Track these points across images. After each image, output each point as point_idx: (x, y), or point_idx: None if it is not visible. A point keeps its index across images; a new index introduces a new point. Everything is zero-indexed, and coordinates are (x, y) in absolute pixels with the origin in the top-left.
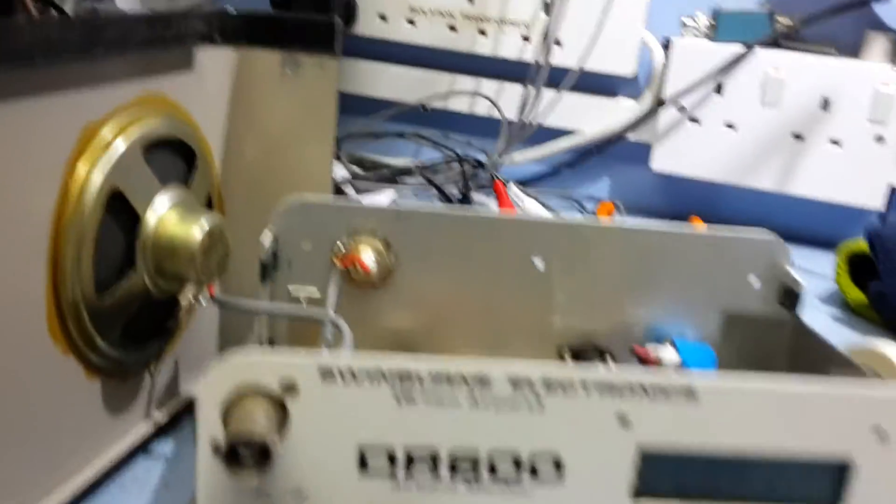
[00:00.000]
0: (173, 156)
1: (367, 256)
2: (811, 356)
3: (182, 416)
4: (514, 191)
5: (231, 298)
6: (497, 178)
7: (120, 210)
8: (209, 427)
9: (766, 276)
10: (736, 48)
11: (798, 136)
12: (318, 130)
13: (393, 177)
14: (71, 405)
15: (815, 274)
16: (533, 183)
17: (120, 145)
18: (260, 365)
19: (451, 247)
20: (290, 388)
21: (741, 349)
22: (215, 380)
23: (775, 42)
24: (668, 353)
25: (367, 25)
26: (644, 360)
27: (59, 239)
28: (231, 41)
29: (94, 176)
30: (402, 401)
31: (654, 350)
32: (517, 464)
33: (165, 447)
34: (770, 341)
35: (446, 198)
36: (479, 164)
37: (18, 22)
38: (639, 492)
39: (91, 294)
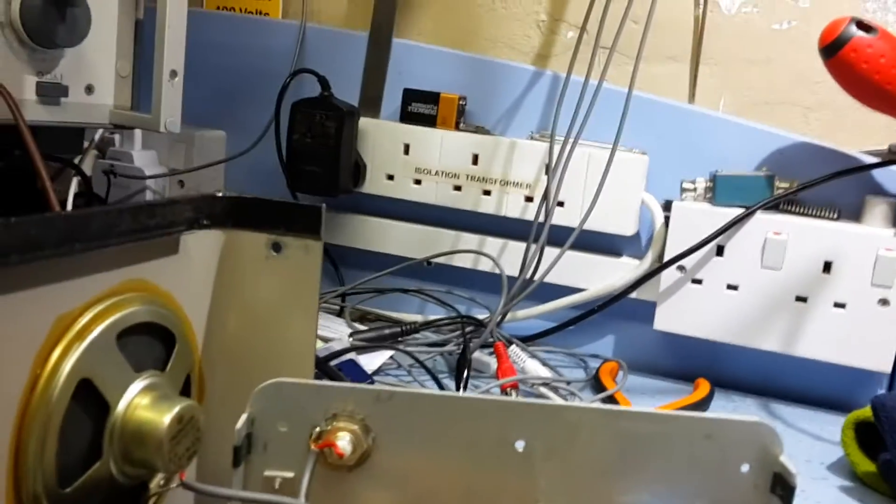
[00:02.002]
0: (151, 340)
1: (343, 440)
2: None
3: None
4: (514, 351)
5: (201, 485)
6: (497, 338)
7: (89, 398)
8: None
9: (758, 465)
10: (736, 211)
11: (801, 299)
12: (301, 309)
13: (394, 336)
14: None
15: (823, 440)
16: (537, 340)
17: (94, 332)
18: None
19: (431, 428)
20: None
21: None
22: None
23: (775, 206)
24: None
25: (375, 184)
26: None
27: (23, 430)
28: (218, 224)
29: (64, 365)
30: None
31: None
32: None
33: None
34: None
35: (431, 375)
36: (480, 323)
37: None
38: None
39: (53, 486)
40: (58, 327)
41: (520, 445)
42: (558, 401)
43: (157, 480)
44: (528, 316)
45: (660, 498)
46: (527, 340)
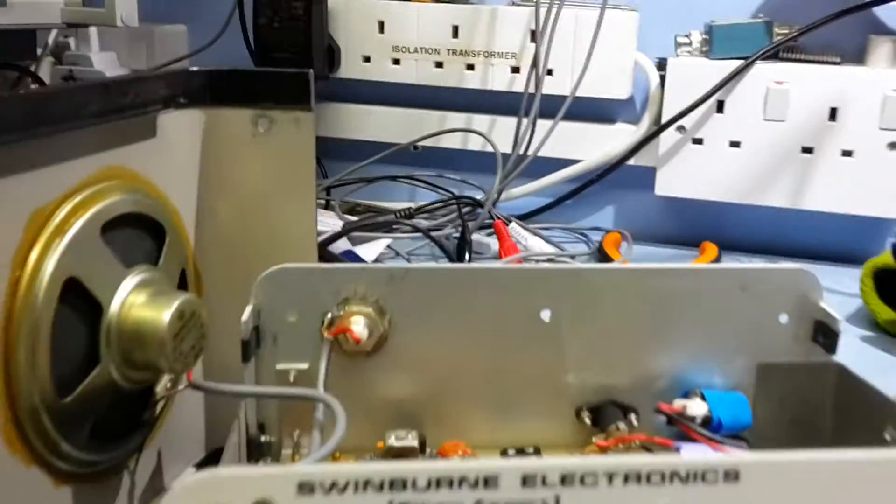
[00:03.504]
0: (139, 233)
1: (358, 325)
2: (861, 408)
3: None
4: (515, 229)
5: (211, 384)
6: (496, 217)
7: (78, 300)
8: None
9: (797, 314)
10: (734, 63)
11: (807, 150)
12: (297, 189)
13: (388, 224)
14: None
15: (838, 292)
16: (534, 217)
17: (75, 226)
18: (229, 484)
19: (450, 305)
20: None
21: (778, 399)
22: (181, 503)
23: (775, 54)
24: (698, 408)
25: (351, 68)
26: (672, 420)
27: (9, 341)
28: (197, 102)
29: (45, 265)
30: None
31: (681, 405)
32: None
33: None
34: (811, 390)
35: (443, 249)
36: (477, 203)
37: None
38: None
39: (51, 396)
40: (34, 224)
41: (545, 315)
42: (584, 266)
43: (164, 383)
44: (524, 193)
45: (696, 358)
46: (524, 219)
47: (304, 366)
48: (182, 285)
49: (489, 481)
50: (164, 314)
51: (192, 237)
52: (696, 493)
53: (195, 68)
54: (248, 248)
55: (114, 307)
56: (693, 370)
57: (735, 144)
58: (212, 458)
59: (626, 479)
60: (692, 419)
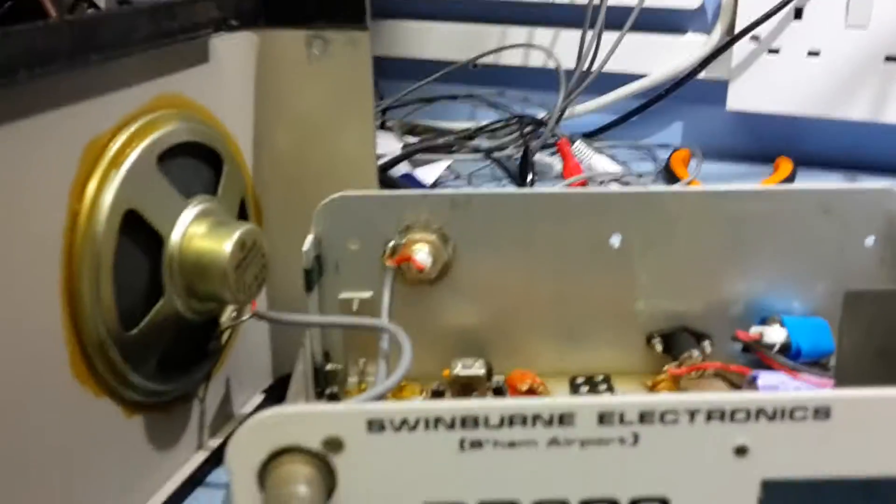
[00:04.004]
0: (196, 163)
1: (421, 253)
2: None
3: None
4: (579, 148)
5: (275, 314)
6: (560, 136)
7: (139, 232)
8: (243, 497)
9: (884, 236)
10: None
11: (891, 58)
12: (355, 113)
13: (449, 146)
14: (113, 448)
15: None
16: (599, 135)
17: (131, 157)
18: (299, 421)
19: (514, 231)
20: (335, 444)
21: (866, 328)
22: (247, 443)
23: None
24: (776, 334)
25: None
26: (749, 347)
27: (72, 274)
28: (248, 24)
29: (104, 197)
30: (467, 448)
31: (758, 332)
32: None
33: (223, 474)
34: None
35: (505, 170)
36: (539, 123)
37: None
38: None
39: (117, 330)
40: (89, 155)
41: (615, 241)
42: (655, 189)
43: (229, 313)
44: (588, 110)
45: (774, 283)
46: (588, 137)
47: (368, 294)
48: (242, 215)
49: (564, 419)
50: (225, 245)
51: (249, 166)
52: (784, 430)
53: None
54: (308, 176)
55: (174, 239)
56: (771, 296)
57: (813, 54)
58: (280, 384)
59: (710, 416)
60: (770, 346)
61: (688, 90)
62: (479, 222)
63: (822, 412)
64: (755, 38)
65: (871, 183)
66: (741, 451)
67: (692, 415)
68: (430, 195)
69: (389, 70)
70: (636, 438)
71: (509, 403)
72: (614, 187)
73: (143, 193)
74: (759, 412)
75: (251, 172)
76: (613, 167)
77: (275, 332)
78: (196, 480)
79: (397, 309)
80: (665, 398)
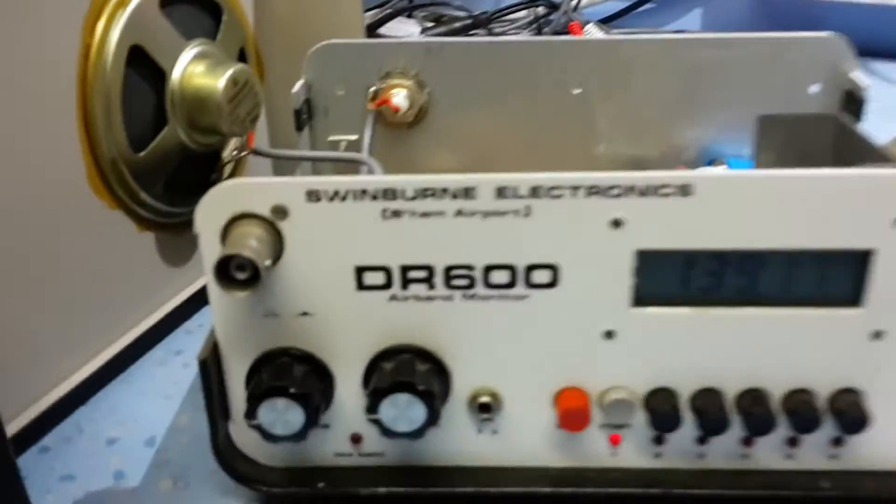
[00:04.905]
0: (197, 10)
1: (398, 96)
2: (853, 153)
3: None
4: (590, 30)
5: (270, 149)
6: (572, 19)
7: (144, 66)
8: (210, 252)
9: (828, 83)
10: None
11: None
12: None
13: (465, 30)
14: (127, 257)
15: None
16: (616, 20)
17: (136, 1)
18: (252, 191)
19: (485, 79)
20: (281, 211)
21: (779, 150)
22: (211, 207)
23: None
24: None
25: None
26: None
27: (86, 99)
28: None
29: (112, 34)
30: (388, 216)
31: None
32: (512, 272)
33: None
34: (811, 141)
35: None
36: (553, 6)
37: None
38: (640, 299)
39: (127, 151)
40: None
41: (576, 90)
42: (614, 37)
43: (230, 149)
44: None
45: (724, 128)
46: (605, 22)
47: (353, 137)
48: (242, 62)
49: (468, 192)
50: (218, 81)
51: (251, 20)
52: (654, 205)
53: None
54: (304, 30)
55: (175, 74)
56: (721, 141)
57: None
58: None
59: (590, 191)
60: None
61: None
62: (452, 69)
63: (686, 189)
64: None
65: (815, 32)
66: (617, 223)
67: (575, 189)
68: (407, 42)
69: None
70: (528, 211)
71: (422, 178)
72: (574, 37)
73: (146, 32)
74: (631, 188)
75: (252, 26)
76: None
77: (274, 167)
78: (204, 298)
79: (378, 150)
80: (552, 175)
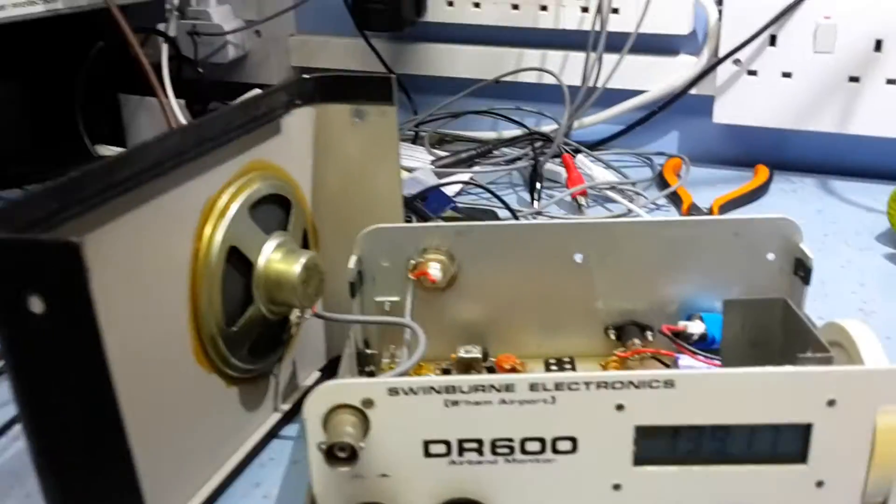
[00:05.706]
0: (274, 207)
1: (434, 268)
2: (797, 334)
3: (302, 403)
4: (581, 160)
5: (329, 313)
6: (564, 150)
7: (237, 260)
8: (314, 434)
9: (782, 252)
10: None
11: (854, 79)
12: (385, 163)
13: (471, 159)
14: (218, 410)
15: (875, 210)
16: (607, 143)
17: (232, 209)
18: (346, 388)
19: (504, 252)
20: (369, 402)
21: (740, 326)
22: (316, 401)
23: None
24: (696, 327)
25: (437, 13)
26: (670, 339)
27: (195, 288)
28: (308, 102)
29: (216, 237)
30: (449, 405)
31: (683, 325)
32: (542, 443)
33: (292, 430)
34: (765, 319)
35: (506, 205)
36: (548, 138)
37: (151, 141)
38: (638, 460)
39: (222, 326)
40: (207, 207)
41: (578, 258)
42: (607, 220)
43: (296, 314)
44: (595, 122)
45: (700, 288)
46: (596, 145)
47: (396, 298)
48: (304, 243)
49: (508, 387)
50: (294, 267)
51: (309, 204)
52: (648, 395)
53: (306, 76)
54: (351, 209)
55: (260, 263)
56: (698, 297)
57: (787, 75)
58: (332, 364)
59: (599, 385)
60: (691, 336)
61: (681, 104)
62: (477, 246)
63: (670, 382)
64: (737, 60)
65: (769, 214)
66: (620, 406)
67: (587, 384)
68: (441, 227)
69: (424, 87)
70: (553, 399)
71: (475, 378)
72: (576, 219)
73: (240, 234)
74: (630, 383)
75: (311, 209)
76: (611, 176)
77: (328, 326)
78: (273, 434)
79: (417, 309)
80: (571, 374)
